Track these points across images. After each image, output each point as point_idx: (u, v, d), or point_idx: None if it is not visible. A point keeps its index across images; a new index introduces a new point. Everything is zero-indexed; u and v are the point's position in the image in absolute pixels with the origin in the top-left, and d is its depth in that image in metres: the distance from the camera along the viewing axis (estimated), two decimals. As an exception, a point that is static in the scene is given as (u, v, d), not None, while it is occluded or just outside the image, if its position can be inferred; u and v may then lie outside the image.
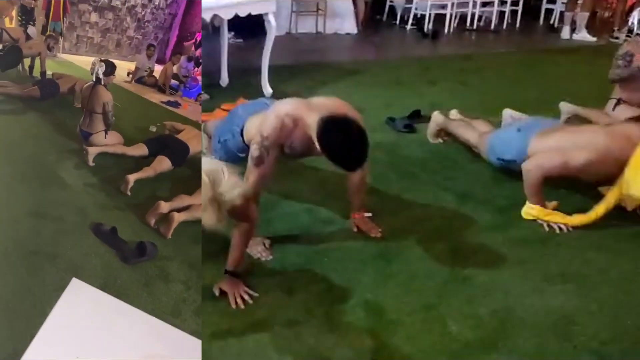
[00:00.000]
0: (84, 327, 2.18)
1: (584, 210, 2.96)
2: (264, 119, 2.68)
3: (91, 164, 4.05)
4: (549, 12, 9.18)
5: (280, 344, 2.25)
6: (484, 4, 9.49)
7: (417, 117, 4.73)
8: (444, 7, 9.14)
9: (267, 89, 5.76)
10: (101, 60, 4.58)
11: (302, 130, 2.58)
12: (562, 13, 8.61)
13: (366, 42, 9.02)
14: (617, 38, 7.16)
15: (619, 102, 3.81)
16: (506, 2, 9.14)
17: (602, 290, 2.42)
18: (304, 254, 2.90)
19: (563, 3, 8.26)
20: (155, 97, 7.81)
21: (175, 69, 8.81)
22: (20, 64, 6.75)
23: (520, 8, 9.10)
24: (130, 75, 8.84)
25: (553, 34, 8.42)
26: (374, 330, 2.32)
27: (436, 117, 4.20)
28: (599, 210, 2.73)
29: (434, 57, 7.71)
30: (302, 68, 6.89)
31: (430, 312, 2.40)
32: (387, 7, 10.38)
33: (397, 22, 10.04)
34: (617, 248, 2.64)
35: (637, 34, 4.06)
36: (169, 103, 7.49)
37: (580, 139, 2.80)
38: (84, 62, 9.79)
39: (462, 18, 9.62)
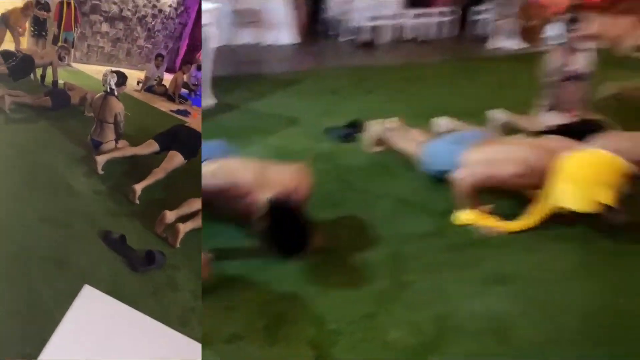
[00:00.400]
0: (95, 333, 2.20)
1: (517, 214, 2.97)
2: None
3: (100, 172, 4.06)
4: (478, 22, 9.29)
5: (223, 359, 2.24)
6: (417, 15, 9.63)
7: (356, 126, 4.70)
8: (379, 18, 9.27)
9: (212, 100, 5.77)
10: (113, 71, 4.61)
11: (249, 202, 2.70)
12: (491, 23, 8.76)
13: (305, 53, 9.07)
14: (548, 44, 7.10)
15: (547, 108, 3.85)
16: (440, 13, 9.21)
17: (538, 291, 2.43)
18: (243, 267, 2.88)
19: (490, 12, 8.46)
20: (165, 106, 7.86)
21: (185, 78, 8.89)
22: (32, 74, 6.83)
23: (450, 18, 9.14)
24: (140, 84, 8.91)
25: (482, 43, 8.55)
26: (315, 341, 2.30)
27: (372, 126, 4.20)
28: (531, 220, 2.74)
29: (371, 67, 7.74)
30: (241, 79, 6.94)
31: (371, 320, 2.39)
32: (325, 18, 10.36)
33: (335, 32, 10.05)
34: (550, 249, 2.66)
35: (560, 43, 4.09)
36: (178, 112, 7.54)
37: (506, 152, 2.83)
38: (95, 71, 9.86)
39: (398, 28, 9.70)
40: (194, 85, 8.75)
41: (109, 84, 4.46)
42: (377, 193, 3.59)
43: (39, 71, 6.96)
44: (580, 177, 2.50)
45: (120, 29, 11.53)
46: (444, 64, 7.25)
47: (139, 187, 3.65)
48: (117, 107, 4.42)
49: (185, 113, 7.48)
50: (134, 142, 4.62)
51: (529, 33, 8.23)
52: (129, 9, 11.46)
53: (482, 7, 8.68)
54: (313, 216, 2.94)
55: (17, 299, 2.44)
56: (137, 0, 11.53)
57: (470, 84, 6.37)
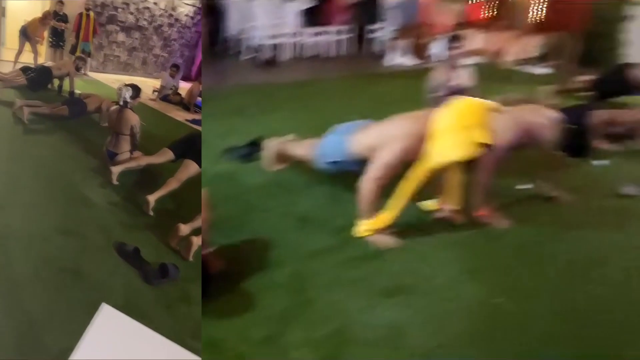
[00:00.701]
0: (114, 353, 2.23)
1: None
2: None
3: (115, 182, 4.10)
4: (375, 40, 9.11)
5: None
6: (317, 34, 9.63)
7: (257, 145, 4.54)
8: (280, 36, 9.23)
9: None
10: (127, 85, 4.66)
11: None
12: (386, 41, 8.70)
13: (205, 72, 8.89)
14: (433, 61, 7.27)
15: None
16: (337, 32, 9.16)
17: (429, 299, 2.40)
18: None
19: (385, 31, 8.39)
20: (180, 115, 7.90)
21: (201, 87, 8.93)
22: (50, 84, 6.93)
23: (348, 36, 9.02)
24: (156, 93, 8.98)
25: (379, 60, 8.39)
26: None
27: (270, 145, 4.12)
28: (406, 190, 2.66)
29: (274, 84, 7.63)
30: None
31: (273, 341, 2.35)
32: (226, 37, 10.17)
33: (236, 51, 9.86)
34: (441, 257, 2.64)
35: (441, 60, 4.13)
36: (193, 121, 7.57)
37: (391, 130, 2.76)
38: (111, 80, 9.96)
39: (299, 46, 9.60)
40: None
41: (124, 97, 4.52)
42: (278, 212, 3.53)
43: (56, 81, 7.03)
44: (455, 126, 2.50)
45: (137, 38, 11.60)
46: (344, 80, 7.06)
47: (152, 198, 3.68)
48: (133, 119, 4.46)
49: (200, 123, 7.51)
50: (150, 151, 4.63)
51: (419, 50, 8.35)
52: (145, 19, 11.53)
53: (376, 26, 8.60)
54: (214, 242, 2.90)
55: (35, 310, 2.47)
56: (154, 9, 11.61)
57: (369, 98, 6.24)
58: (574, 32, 7.58)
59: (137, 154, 4.57)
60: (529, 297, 2.39)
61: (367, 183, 2.70)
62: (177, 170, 3.99)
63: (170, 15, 11.98)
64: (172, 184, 3.85)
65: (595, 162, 4.00)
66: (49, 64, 7.05)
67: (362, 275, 2.54)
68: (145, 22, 11.58)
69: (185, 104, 8.61)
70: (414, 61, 7.48)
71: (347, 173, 3.23)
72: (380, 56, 8.33)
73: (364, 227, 2.78)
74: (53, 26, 9.51)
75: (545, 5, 7.99)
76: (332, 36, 9.41)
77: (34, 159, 4.45)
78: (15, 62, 8.32)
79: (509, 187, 3.43)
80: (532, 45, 8.05)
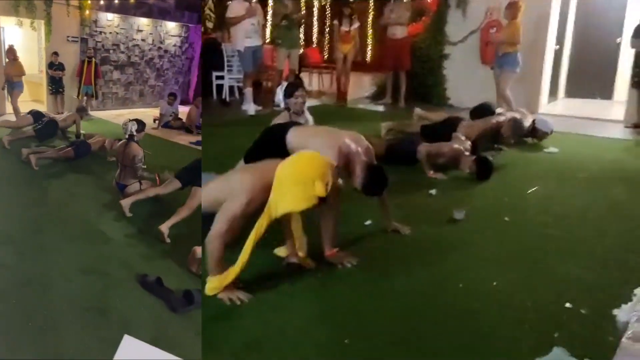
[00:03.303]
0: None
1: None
2: None
3: (128, 214, 3.96)
4: (222, 87, 8.51)
5: None
6: None
7: None
8: None
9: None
10: (132, 120, 4.59)
11: None
12: (234, 88, 8.45)
13: None
14: (278, 106, 7.05)
15: None
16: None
17: (281, 352, 2.15)
18: None
19: (231, 78, 8.12)
20: (184, 139, 7.76)
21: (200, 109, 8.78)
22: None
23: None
24: (157, 122, 8.87)
25: (227, 107, 7.91)
26: None
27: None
28: (250, 242, 2.45)
29: None
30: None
31: None
32: None
33: None
34: (291, 306, 2.43)
35: (284, 107, 4.11)
36: (197, 143, 7.38)
37: (235, 182, 2.57)
38: (112, 115, 9.91)
39: None
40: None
41: (130, 131, 4.43)
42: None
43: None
44: (293, 178, 2.39)
45: (131, 74, 11.58)
46: (204, 129, 6.48)
47: (165, 228, 3.52)
48: (136, 151, 4.37)
49: (203, 143, 7.39)
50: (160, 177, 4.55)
51: (266, 97, 8.09)
52: (136, 55, 11.52)
53: (221, 73, 8.12)
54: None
55: (65, 350, 2.33)
56: (143, 45, 11.60)
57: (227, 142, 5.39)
58: (400, 71, 7.90)
59: (145, 184, 4.44)
60: (373, 334, 2.24)
61: (212, 239, 2.45)
62: (187, 198, 3.81)
63: (159, 47, 11.98)
64: (184, 212, 3.68)
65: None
66: (54, 116, 6.98)
67: (216, 335, 2.23)
68: (136, 58, 11.58)
69: (187, 128, 8.50)
70: (263, 107, 7.15)
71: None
72: (228, 103, 7.87)
73: (212, 285, 2.50)
74: (51, 75, 9.53)
75: (371, 48, 8.45)
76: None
77: (49, 203, 4.33)
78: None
79: (354, 224, 3.32)
80: (365, 84, 8.30)
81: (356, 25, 8.09)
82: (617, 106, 8.14)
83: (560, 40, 8.23)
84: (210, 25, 9.56)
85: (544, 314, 2.40)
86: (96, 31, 10.60)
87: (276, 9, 7.60)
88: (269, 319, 2.34)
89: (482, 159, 4.48)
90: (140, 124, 4.56)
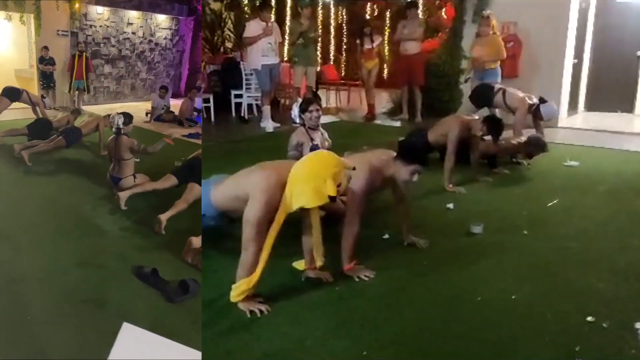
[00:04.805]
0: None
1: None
2: None
3: (124, 207, 3.99)
4: (240, 105, 8.34)
5: None
6: None
7: None
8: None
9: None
10: (119, 113, 4.60)
11: None
12: (252, 105, 8.44)
13: None
14: (295, 123, 6.99)
15: None
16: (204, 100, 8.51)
17: None
18: None
19: (249, 96, 8.16)
20: (176, 132, 7.77)
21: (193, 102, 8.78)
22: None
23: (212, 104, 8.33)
24: (149, 115, 8.88)
25: (246, 124, 7.84)
26: None
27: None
28: (270, 239, 2.49)
29: None
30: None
31: None
32: None
33: None
34: (309, 317, 2.46)
35: (300, 123, 4.14)
36: (190, 135, 7.46)
37: (249, 183, 2.61)
38: (103, 110, 9.83)
39: None
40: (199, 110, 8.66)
41: (117, 125, 4.44)
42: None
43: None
44: (306, 176, 2.45)
45: (122, 67, 11.55)
46: (221, 145, 6.40)
47: (164, 217, 3.56)
48: (129, 142, 4.40)
49: (197, 136, 7.38)
50: (153, 172, 4.55)
51: (284, 113, 8.24)
52: (127, 48, 11.48)
53: (240, 91, 8.12)
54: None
55: (64, 343, 2.37)
56: (133, 39, 11.56)
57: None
58: (414, 87, 7.96)
59: (140, 177, 4.48)
60: (391, 346, 2.26)
61: (247, 246, 2.48)
62: (183, 192, 3.87)
63: (150, 40, 11.94)
64: (181, 205, 3.74)
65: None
66: (48, 117, 6.93)
67: (236, 347, 2.26)
68: (127, 52, 11.54)
69: (179, 120, 8.51)
70: (277, 125, 7.23)
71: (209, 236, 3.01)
72: (247, 120, 7.90)
73: (240, 289, 2.51)
74: (42, 70, 9.49)
75: (387, 64, 8.50)
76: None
77: (43, 198, 4.36)
78: None
79: (371, 238, 3.33)
80: (382, 99, 8.35)
81: (378, 41, 8.22)
82: (638, 120, 8.16)
83: (579, 54, 8.21)
84: (229, 45, 9.78)
85: (565, 327, 2.39)
86: (86, 25, 10.56)
87: (293, 27, 7.69)
88: (288, 331, 2.37)
89: (490, 117, 4.49)
90: (127, 116, 4.57)
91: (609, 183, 4.70)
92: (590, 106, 8.89)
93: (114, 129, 4.48)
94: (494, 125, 4.48)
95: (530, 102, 5.65)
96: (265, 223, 2.52)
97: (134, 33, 11.53)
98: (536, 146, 4.71)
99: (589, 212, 3.97)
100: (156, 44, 12.09)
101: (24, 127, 6.29)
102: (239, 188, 2.69)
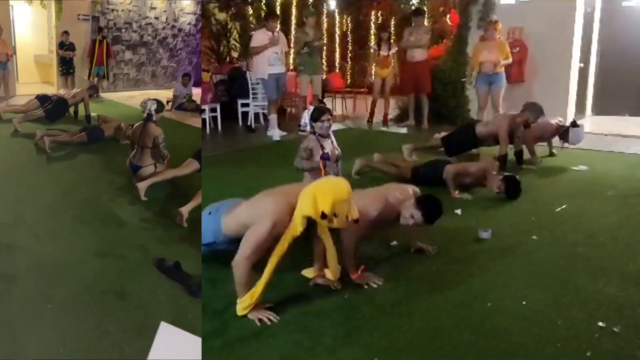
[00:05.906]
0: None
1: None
2: None
3: (143, 198, 3.99)
4: (247, 114, 8.22)
5: None
6: None
7: None
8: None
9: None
10: (152, 99, 4.57)
11: None
12: (259, 115, 8.43)
13: None
14: (303, 131, 7.19)
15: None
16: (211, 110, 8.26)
17: None
18: None
19: (256, 105, 8.14)
20: (198, 122, 7.81)
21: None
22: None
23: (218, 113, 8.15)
24: (170, 104, 8.90)
25: (253, 133, 7.81)
26: None
27: None
28: (273, 260, 2.52)
29: None
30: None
31: None
32: None
33: None
34: (318, 325, 2.46)
35: (310, 131, 4.14)
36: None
37: (261, 206, 2.63)
38: (123, 97, 9.96)
39: None
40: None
41: (149, 110, 4.42)
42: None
43: (71, 108, 7.04)
44: (313, 190, 2.45)
45: (143, 54, 11.56)
46: (228, 155, 6.30)
47: (185, 210, 3.54)
48: (157, 131, 4.36)
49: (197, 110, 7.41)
50: (173, 162, 4.50)
51: (291, 122, 8.28)
52: (149, 34, 11.47)
53: (247, 100, 8.10)
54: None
55: (84, 334, 2.38)
56: (156, 24, 11.53)
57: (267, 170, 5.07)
58: (421, 94, 8.02)
59: (161, 167, 4.46)
60: (401, 353, 2.26)
61: (240, 263, 2.51)
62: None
63: (173, 26, 11.91)
64: (200, 197, 3.67)
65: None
66: (63, 93, 7.02)
67: (247, 356, 2.25)
68: (149, 37, 11.53)
69: (201, 110, 8.51)
70: (283, 133, 7.30)
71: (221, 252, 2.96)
72: (254, 130, 7.93)
73: (244, 304, 2.54)
74: (61, 56, 9.56)
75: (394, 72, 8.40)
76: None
77: (62, 186, 4.38)
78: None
79: (380, 245, 3.35)
80: (390, 106, 8.43)
81: (394, 49, 8.25)
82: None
83: (585, 58, 8.27)
84: (235, 54, 9.93)
85: (576, 333, 2.39)
86: (108, 9, 10.57)
87: (298, 36, 7.75)
88: (298, 339, 2.37)
89: (511, 178, 4.49)
90: (160, 104, 4.55)
91: (618, 187, 4.70)
92: (598, 110, 8.92)
93: (144, 115, 4.45)
94: (513, 186, 4.43)
95: (560, 124, 5.78)
96: (265, 247, 2.53)
97: (156, 18, 11.49)
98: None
99: (599, 217, 3.97)
100: (179, 30, 12.05)
101: (40, 110, 6.36)
102: (248, 215, 2.69)
